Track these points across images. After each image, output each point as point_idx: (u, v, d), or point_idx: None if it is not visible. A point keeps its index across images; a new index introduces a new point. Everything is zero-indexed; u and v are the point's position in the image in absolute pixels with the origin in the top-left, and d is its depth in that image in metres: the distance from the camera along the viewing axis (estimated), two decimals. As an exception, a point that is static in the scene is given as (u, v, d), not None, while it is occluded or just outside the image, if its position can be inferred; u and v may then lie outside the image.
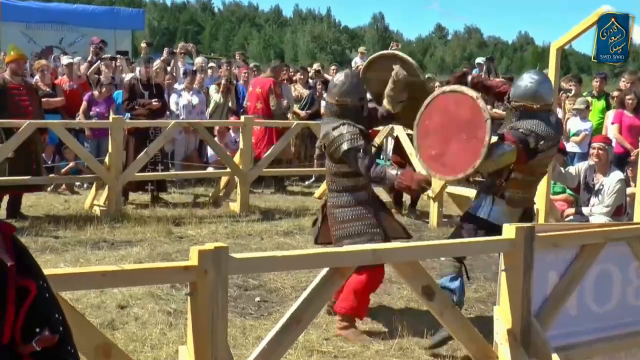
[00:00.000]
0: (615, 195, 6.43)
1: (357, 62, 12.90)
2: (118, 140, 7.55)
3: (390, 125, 8.36)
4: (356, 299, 4.38)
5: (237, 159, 8.17)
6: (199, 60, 11.47)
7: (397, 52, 4.88)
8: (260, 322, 4.53)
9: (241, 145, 8.20)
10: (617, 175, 6.56)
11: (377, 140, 8.33)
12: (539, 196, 6.06)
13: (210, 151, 9.67)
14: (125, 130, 7.89)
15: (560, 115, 8.95)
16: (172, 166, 9.44)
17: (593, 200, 6.59)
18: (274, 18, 79.50)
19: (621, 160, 8.05)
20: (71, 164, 8.76)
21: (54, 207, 7.87)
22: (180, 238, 6.68)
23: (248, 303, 4.93)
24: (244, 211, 7.85)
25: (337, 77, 4.53)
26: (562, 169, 6.71)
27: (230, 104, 10.03)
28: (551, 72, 5.69)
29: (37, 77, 8.92)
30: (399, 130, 8.26)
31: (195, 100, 9.70)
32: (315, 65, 12.06)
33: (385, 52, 5.02)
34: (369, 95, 4.70)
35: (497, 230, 3.94)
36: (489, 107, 11.44)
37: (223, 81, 10.01)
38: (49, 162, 8.71)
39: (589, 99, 9.33)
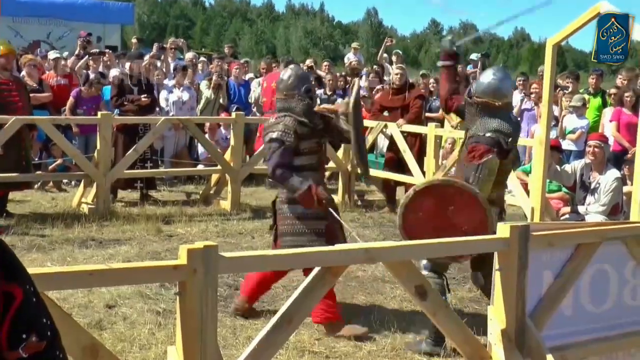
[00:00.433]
0: (612, 194, 6.38)
1: (350, 57, 12.83)
2: (106, 137, 7.45)
3: (384, 123, 8.32)
4: (258, 288, 4.51)
5: (227, 156, 8.10)
6: (189, 55, 11.37)
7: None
8: (251, 322, 4.50)
9: (232, 142, 8.13)
10: (613, 173, 6.51)
11: (369, 138, 8.28)
12: (534, 195, 6.03)
13: (200, 148, 9.59)
14: (114, 127, 7.79)
15: (556, 112, 8.93)
16: (161, 163, 9.35)
17: (589, 198, 6.55)
18: (266, 13, 79.23)
19: (619, 159, 8.00)
20: (59, 161, 8.63)
21: (41, 204, 7.78)
22: (170, 237, 6.61)
23: (238, 302, 4.87)
24: (235, 209, 7.78)
25: (284, 73, 4.60)
26: (557, 167, 6.67)
27: (221, 100, 9.94)
28: (547, 68, 5.65)
29: (24, 72, 8.78)
30: (392, 127, 8.22)
31: (185, 96, 9.61)
32: (308, 61, 11.97)
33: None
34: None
35: None
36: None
37: (214, 77, 9.92)
38: (36, 159, 8.60)
39: (586, 96, 9.27)
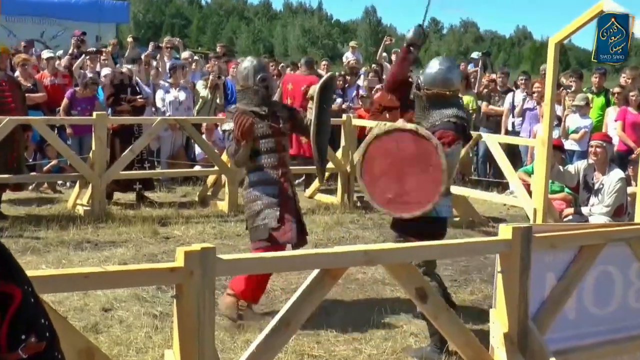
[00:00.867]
0: (616, 195, 6.31)
1: (349, 56, 12.76)
2: (102, 137, 7.38)
3: (384, 123, 8.23)
4: (250, 283, 4.49)
5: (225, 157, 8.03)
6: (185, 54, 11.29)
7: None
8: (249, 325, 4.42)
9: (229, 142, 8.06)
10: (617, 174, 6.43)
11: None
12: (537, 195, 5.98)
13: (197, 149, 9.52)
14: (110, 128, 7.72)
15: (559, 112, 8.84)
16: (158, 164, 9.27)
17: (592, 199, 6.48)
18: (263, 11, 79.07)
19: (623, 159, 7.92)
20: (53, 162, 8.54)
21: (35, 206, 7.70)
22: (167, 239, 6.55)
23: (236, 305, 4.81)
24: (233, 211, 7.70)
25: (241, 65, 4.77)
26: (560, 167, 6.60)
27: (218, 100, 9.86)
28: (549, 67, 5.60)
29: (17, 71, 8.68)
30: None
31: (182, 96, 9.53)
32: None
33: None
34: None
35: (442, 223, 4.13)
36: (484, 103, 11.27)
37: (211, 77, 9.85)
38: (30, 160, 8.52)
39: (589, 95, 9.14)
